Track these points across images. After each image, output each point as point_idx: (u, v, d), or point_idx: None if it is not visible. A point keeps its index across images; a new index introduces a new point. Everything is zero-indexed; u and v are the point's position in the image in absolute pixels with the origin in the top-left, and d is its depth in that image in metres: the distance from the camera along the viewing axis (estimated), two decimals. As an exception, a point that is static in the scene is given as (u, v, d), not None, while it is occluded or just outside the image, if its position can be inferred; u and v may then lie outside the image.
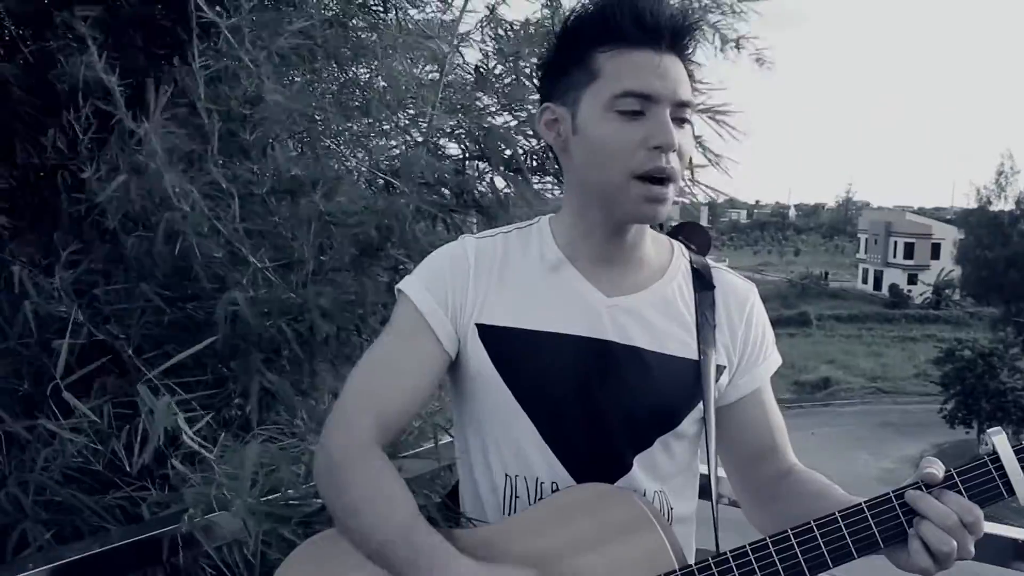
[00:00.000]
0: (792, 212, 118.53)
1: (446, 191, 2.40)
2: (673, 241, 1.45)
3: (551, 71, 1.37)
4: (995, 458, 1.16)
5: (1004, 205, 45.38)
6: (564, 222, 1.38)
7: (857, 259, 66.44)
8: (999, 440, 1.16)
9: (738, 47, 2.57)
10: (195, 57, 2.21)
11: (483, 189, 2.48)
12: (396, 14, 2.85)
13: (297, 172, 2.22)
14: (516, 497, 1.32)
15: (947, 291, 52.56)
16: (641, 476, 1.32)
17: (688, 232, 1.48)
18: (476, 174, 2.52)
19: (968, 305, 50.15)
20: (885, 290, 57.01)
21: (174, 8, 2.63)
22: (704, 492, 1.45)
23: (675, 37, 1.28)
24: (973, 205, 47.41)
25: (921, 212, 76.93)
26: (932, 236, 57.39)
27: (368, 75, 2.82)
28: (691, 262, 1.42)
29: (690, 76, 1.31)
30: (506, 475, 1.32)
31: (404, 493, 1.24)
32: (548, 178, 2.50)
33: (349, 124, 2.62)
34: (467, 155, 2.50)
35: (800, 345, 41.61)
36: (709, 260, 1.45)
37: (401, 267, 2.31)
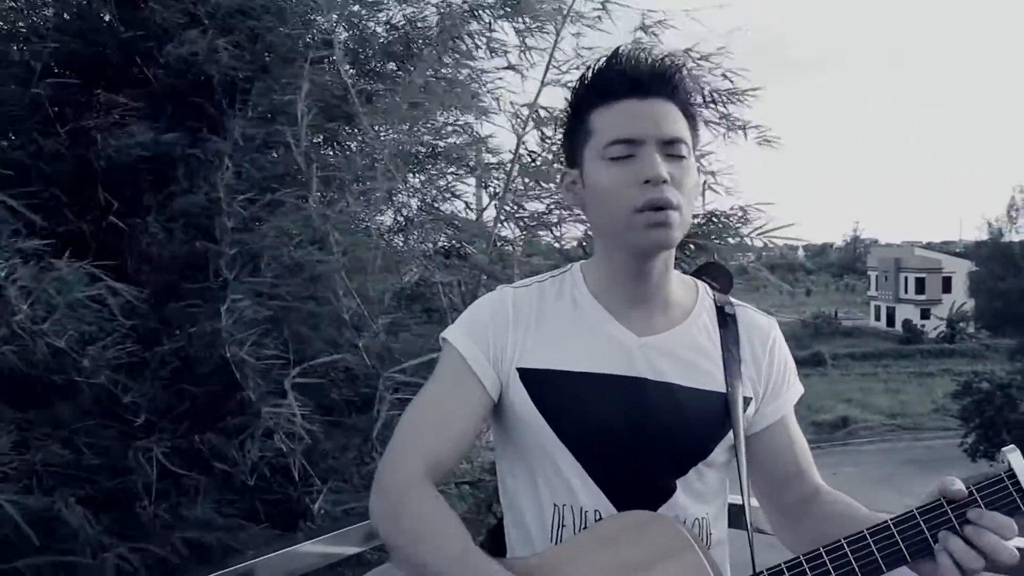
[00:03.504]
0: (801, 253, 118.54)
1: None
2: (698, 281, 1.54)
3: (564, 141, 1.51)
4: (1011, 474, 1.23)
5: (1015, 237, 45.46)
6: (594, 268, 1.48)
7: (868, 296, 66.16)
8: (1014, 457, 1.24)
9: (744, 131, 2.92)
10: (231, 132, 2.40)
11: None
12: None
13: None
14: (562, 526, 1.39)
15: (961, 324, 52.22)
16: (680, 502, 1.40)
17: (711, 272, 1.58)
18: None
19: (983, 337, 49.80)
20: (898, 326, 56.65)
21: (204, 86, 2.81)
22: (734, 519, 1.53)
23: (658, 82, 1.38)
24: (984, 238, 47.45)
25: (929, 247, 76.75)
26: (943, 270, 57.21)
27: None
28: (715, 300, 1.51)
29: (689, 116, 1.40)
30: (554, 505, 1.39)
31: (458, 525, 1.30)
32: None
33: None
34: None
35: (816, 385, 41.22)
36: (731, 298, 1.54)
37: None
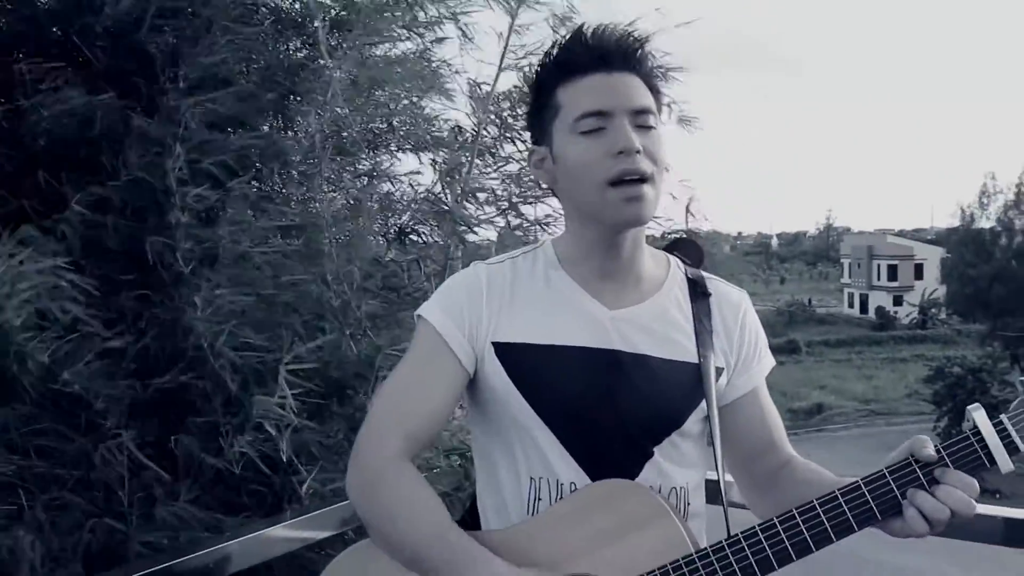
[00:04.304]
0: (774, 241, 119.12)
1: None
2: (669, 255, 1.56)
3: (530, 119, 1.53)
4: (976, 431, 1.27)
5: (986, 223, 45.87)
6: (565, 243, 1.50)
7: (842, 284, 66.67)
8: (979, 416, 1.27)
9: (670, 108, 2.99)
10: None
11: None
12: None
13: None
14: (539, 500, 1.40)
15: (933, 310, 52.71)
16: (655, 473, 1.41)
17: (683, 247, 1.60)
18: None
19: (955, 323, 50.28)
20: (871, 313, 57.14)
21: (144, 65, 2.74)
22: (710, 495, 1.54)
23: (623, 56, 1.40)
24: (955, 224, 47.82)
25: (901, 234, 77.49)
26: (914, 257, 57.78)
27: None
28: (687, 274, 1.53)
29: (653, 88, 1.43)
30: (531, 478, 1.41)
31: (436, 500, 1.32)
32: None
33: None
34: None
35: (791, 372, 41.47)
36: (703, 272, 1.56)
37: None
